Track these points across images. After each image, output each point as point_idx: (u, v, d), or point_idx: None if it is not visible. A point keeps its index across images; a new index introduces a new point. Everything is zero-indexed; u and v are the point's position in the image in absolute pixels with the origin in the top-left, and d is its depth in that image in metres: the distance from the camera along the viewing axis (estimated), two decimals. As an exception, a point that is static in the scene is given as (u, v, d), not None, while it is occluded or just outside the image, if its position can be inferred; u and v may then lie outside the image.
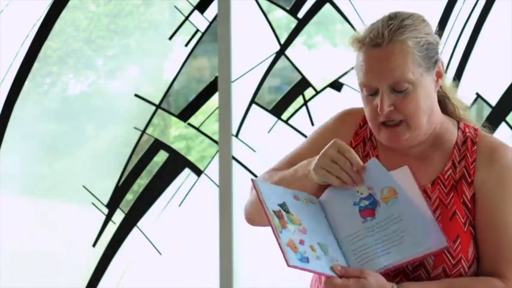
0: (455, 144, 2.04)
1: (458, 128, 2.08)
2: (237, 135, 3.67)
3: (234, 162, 3.64)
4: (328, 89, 3.62)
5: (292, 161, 2.13)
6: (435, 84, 2.02)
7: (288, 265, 1.88)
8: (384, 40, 1.96)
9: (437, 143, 2.05)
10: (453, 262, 1.96)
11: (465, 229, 1.98)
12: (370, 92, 1.99)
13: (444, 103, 2.10)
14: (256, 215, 2.10)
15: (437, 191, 2.01)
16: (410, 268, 1.97)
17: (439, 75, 2.03)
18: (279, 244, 1.91)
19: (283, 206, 1.98)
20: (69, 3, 3.83)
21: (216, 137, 3.71)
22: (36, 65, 3.85)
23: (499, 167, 2.01)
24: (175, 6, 3.76)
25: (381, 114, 1.97)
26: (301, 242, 1.92)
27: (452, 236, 1.96)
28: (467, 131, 2.07)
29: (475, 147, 2.03)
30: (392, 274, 1.97)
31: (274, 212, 1.95)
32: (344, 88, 3.59)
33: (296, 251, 1.92)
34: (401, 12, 2.03)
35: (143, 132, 3.79)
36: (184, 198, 3.75)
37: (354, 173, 1.98)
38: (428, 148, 2.05)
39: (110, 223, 3.80)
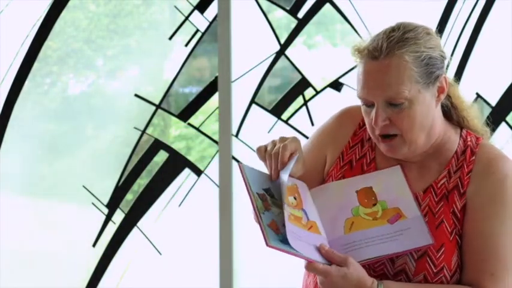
0: (454, 154, 2.03)
1: (461, 136, 2.05)
2: (237, 135, 3.67)
3: (234, 162, 3.64)
4: (328, 89, 3.62)
5: None
6: (436, 100, 1.99)
7: (267, 245, 1.87)
8: (382, 53, 1.94)
9: (437, 153, 2.04)
10: (435, 270, 1.95)
11: (451, 238, 1.97)
12: (367, 104, 1.98)
13: (450, 113, 2.08)
14: None
15: (427, 199, 2.00)
16: (391, 273, 1.97)
17: (441, 91, 1.99)
18: (259, 224, 1.89)
19: (267, 190, 1.97)
20: (69, 3, 3.83)
21: (216, 137, 3.71)
22: (36, 65, 3.85)
23: (494, 180, 1.98)
24: (175, 6, 3.76)
25: (375, 126, 1.96)
26: (285, 226, 1.91)
27: (436, 244, 1.95)
28: (468, 139, 2.04)
29: (474, 157, 2.01)
30: (376, 275, 1.97)
31: (258, 194, 1.95)
32: (344, 88, 3.59)
33: (278, 232, 1.91)
34: (407, 23, 1.99)
35: (143, 132, 3.79)
36: (184, 198, 3.75)
37: (275, 164, 1.95)
38: (428, 157, 2.04)
39: (110, 223, 3.80)
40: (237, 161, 3.64)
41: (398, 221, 1.99)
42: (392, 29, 1.97)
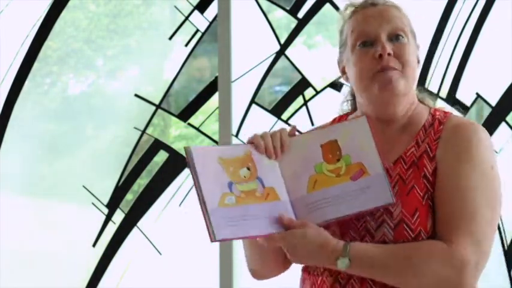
0: (422, 126, 2.06)
1: (429, 112, 2.10)
2: (237, 135, 3.67)
3: (234, 162, 3.64)
4: (328, 89, 3.62)
5: None
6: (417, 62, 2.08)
7: (212, 241, 1.91)
8: (380, 2, 2.07)
9: (407, 126, 2.07)
10: (413, 236, 1.96)
11: (423, 202, 1.97)
12: (367, 43, 2.03)
13: (422, 92, 2.15)
14: (259, 264, 2.14)
15: (397, 169, 2.01)
16: (369, 242, 1.98)
17: (418, 60, 2.09)
18: (204, 217, 1.92)
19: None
20: (69, 3, 3.83)
21: (216, 137, 3.71)
22: (36, 65, 3.85)
23: (461, 139, 2.01)
24: (175, 6, 3.77)
25: (383, 57, 2.00)
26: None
27: (410, 210, 1.96)
28: (437, 114, 2.09)
29: (441, 126, 2.05)
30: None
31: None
32: (344, 87, 3.59)
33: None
34: None
35: (143, 132, 3.79)
36: (184, 198, 3.75)
37: (276, 144, 2.02)
38: (398, 130, 2.07)
39: (110, 223, 3.80)
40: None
41: (361, 178, 2.00)
42: None
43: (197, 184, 1.95)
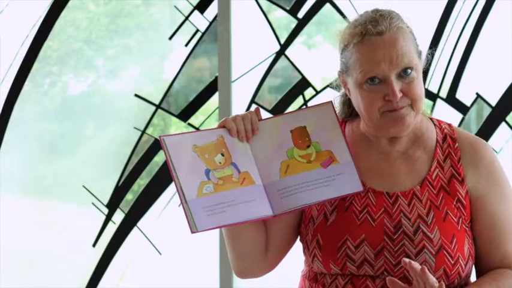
0: (436, 143, 2.05)
1: (435, 125, 2.09)
2: (237, 135, 3.67)
3: (234, 162, 3.64)
4: (328, 89, 3.62)
5: None
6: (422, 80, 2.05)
7: (192, 232, 1.93)
8: (386, 27, 1.97)
9: (418, 140, 2.06)
10: (452, 262, 1.97)
11: (459, 228, 1.99)
12: (375, 80, 1.97)
13: None
14: (245, 262, 2.12)
15: (426, 192, 2.01)
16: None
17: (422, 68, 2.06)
18: (183, 207, 1.93)
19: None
20: (69, 3, 3.83)
21: (216, 137, 3.70)
22: (36, 65, 3.85)
23: (486, 164, 2.03)
24: (175, 6, 3.77)
25: (393, 100, 1.96)
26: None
27: (448, 236, 1.98)
28: (443, 127, 2.09)
29: (457, 144, 2.05)
30: (399, 276, 1.97)
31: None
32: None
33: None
34: (380, 8, 2.05)
35: (143, 132, 3.79)
36: (184, 198, 3.75)
37: (248, 127, 2.02)
38: (410, 145, 2.06)
39: (110, 223, 3.80)
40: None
41: (330, 165, 2.02)
42: (375, 10, 2.02)
43: (174, 175, 1.94)
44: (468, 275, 2.03)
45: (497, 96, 3.47)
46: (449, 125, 2.10)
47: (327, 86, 3.63)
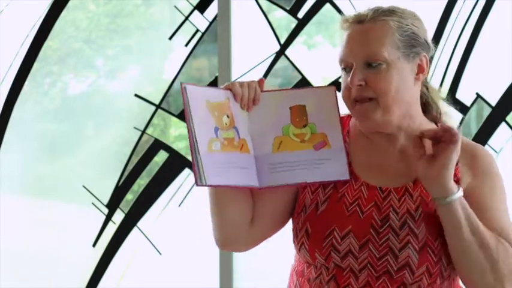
0: None
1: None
2: (237, 135, 3.67)
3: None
4: (328, 89, 3.62)
5: None
6: (415, 77, 2.02)
7: (197, 184, 1.92)
8: (367, 17, 2.01)
9: (417, 139, 2.05)
10: (435, 259, 1.97)
11: None
12: (346, 68, 2.01)
13: (428, 107, 2.11)
14: (228, 232, 2.11)
15: (418, 189, 2.01)
16: (395, 268, 1.97)
17: (421, 70, 2.03)
18: (193, 160, 1.92)
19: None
20: (69, 3, 3.83)
21: (216, 137, 3.70)
22: (36, 65, 3.85)
23: (483, 165, 2.04)
24: (175, 6, 3.77)
25: (350, 86, 1.98)
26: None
27: (434, 234, 1.98)
28: None
29: None
30: (376, 275, 1.98)
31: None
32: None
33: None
34: (398, 6, 2.06)
35: (143, 132, 3.79)
36: (184, 198, 3.75)
37: (251, 96, 2.03)
38: (408, 145, 2.05)
39: (110, 223, 3.80)
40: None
41: (322, 148, 2.03)
42: (381, 6, 2.05)
43: (191, 125, 1.94)
44: (451, 276, 2.03)
45: (497, 96, 3.47)
46: None
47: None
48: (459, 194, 1.94)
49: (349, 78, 1.98)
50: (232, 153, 1.98)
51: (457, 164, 2.01)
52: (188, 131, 1.93)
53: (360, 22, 2.01)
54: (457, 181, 2.00)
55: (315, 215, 2.03)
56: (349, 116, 2.13)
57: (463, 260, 1.96)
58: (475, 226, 1.94)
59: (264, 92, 2.06)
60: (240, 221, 2.07)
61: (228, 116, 2.00)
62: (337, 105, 2.04)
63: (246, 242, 2.13)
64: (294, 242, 2.07)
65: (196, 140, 1.93)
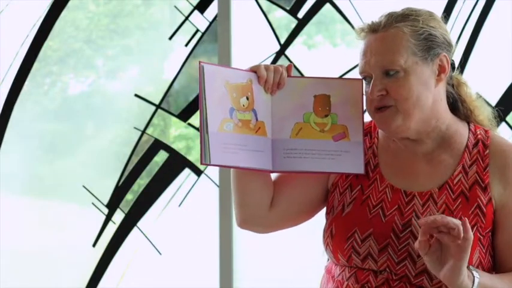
0: (465, 147, 2.04)
1: (469, 129, 2.08)
2: (237, 135, 3.66)
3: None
4: (328, 89, 3.62)
5: None
6: (436, 79, 2.01)
7: (201, 163, 1.93)
8: (380, 26, 2.01)
9: (445, 144, 2.04)
10: None
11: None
12: (367, 79, 2.02)
13: (457, 104, 2.10)
14: (248, 211, 2.10)
15: (443, 196, 2.00)
16: (413, 274, 1.96)
17: (442, 70, 2.02)
18: (201, 137, 1.94)
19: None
20: (69, 3, 3.83)
21: (216, 137, 3.70)
22: (36, 65, 3.85)
23: None
24: (175, 6, 3.77)
25: (370, 97, 1.99)
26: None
27: None
28: (478, 132, 2.07)
29: (487, 150, 2.03)
30: (395, 278, 1.97)
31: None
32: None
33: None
34: (412, 7, 2.06)
35: (143, 132, 3.79)
36: (184, 198, 3.75)
37: (276, 80, 2.03)
38: (435, 149, 2.04)
39: (110, 223, 3.80)
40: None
41: (341, 140, 2.05)
42: (398, 11, 2.04)
43: (203, 104, 1.95)
44: None
45: (497, 96, 3.47)
46: (486, 131, 2.08)
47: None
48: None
49: (369, 89, 1.99)
50: (245, 135, 1.99)
51: (486, 168, 2.00)
52: (200, 111, 1.95)
53: (374, 31, 2.01)
54: (485, 188, 1.99)
55: (340, 217, 2.04)
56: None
57: None
58: None
59: (290, 78, 2.07)
60: (259, 202, 2.08)
61: (247, 98, 2.01)
62: (362, 98, 2.05)
63: (264, 224, 2.13)
64: (322, 241, 2.09)
65: (206, 119, 1.94)
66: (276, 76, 2.04)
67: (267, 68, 2.04)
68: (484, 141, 2.05)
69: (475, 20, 3.48)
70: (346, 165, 2.03)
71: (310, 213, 2.12)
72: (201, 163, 1.93)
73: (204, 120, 1.94)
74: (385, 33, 1.99)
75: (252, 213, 2.09)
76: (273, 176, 2.11)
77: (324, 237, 2.06)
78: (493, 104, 3.48)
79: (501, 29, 3.45)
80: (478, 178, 2.00)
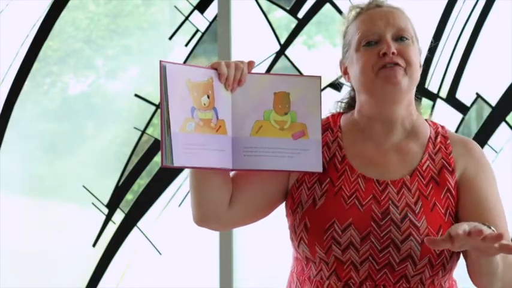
0: (429, 138, 2.09)
1: (428, 124, 2.14)
2: (237, 135, 3.67)
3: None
4: (328, 89, 3.62)
5: None
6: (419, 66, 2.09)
7: (162, 165, 1.91)
8: (384, 3, 2.09)
9: (412, 134, 2.09)
10: (437, 252, 1.98)
11: (445, 219, 2.01)
12: (372, 42, 2.04)
13: (417, 102, 2.16)
14: (206, 210, 2.09)
15: (416, 182, 2.03)
16: (397, 260, 1.98)
17: (420, 64, 2.10)
18: (162, 140, 1.92)
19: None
20: (69, 3, 3.83)
21: (216, 137, 3.70)
22: (36, 65, 3.85)
23: (476, 156, 2.08)
24: (175, 6, 3.77)
25: (387, 54, 2.01)
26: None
27: (435, 226, 1.99)
28: (436, 126, 2.14)
29: (449, 141, 2.10)
30: (378, 268, 1.98)
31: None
32: (344, 88, 3.59)
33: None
34: None
35: (143, 132, 3.79)
36: (184, 198, 3.75)
37: (237, 77, 2.05)
38: (404, 138, 2.08)
39: (110, 223, 3.80)
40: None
41: (301, 138, 2.05)
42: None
43: (164, 104, 1.95)
44: (452, 268, 2.05)
45: (497, 96, 3.47)
46: (443, 127, 2.14)
47: (327, 86, 3.63)
48: None
49: (378, 50, 2.02)
50: (207, 135, 1.98)
51: (450, 154, 2.06)
52: (160, 111, 1.94)
53: (378, 6, 2.08)
54: (453, 171, 2.04)
55: (313, 210, 2.03)
56: (339, 114, 2.16)
57: (483, 272, 1.98)
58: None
59: (250, 74, 2.07)
60: (217, 200, 2.07)
61: (208, 97, 2.00)
62: (320, 96, 2.06)
63: (222, 222, 2.12)
64: (291, 239, 2.07)
65: (168, 120, 1.93)
66: (236, 73, 2.05)
67: (227, 64, 2.06)
68: (443, 134, 2.11)
69: (475, 20, 3.48)
70: (305, 163, 2.03)
71: (268, 210, 2.12)
72: (162, 165, 1.91)
73: (165, 121, 1.93)
74: (392, 9, 2.07)
75: (210, 212, 2.08)
76: (231, 173, 2.10)
77: (294, 233, 2.04)
78: (493, 104, 3.48)
79: (501, 29, 3.46)
80: (444, 163, 2.06)
